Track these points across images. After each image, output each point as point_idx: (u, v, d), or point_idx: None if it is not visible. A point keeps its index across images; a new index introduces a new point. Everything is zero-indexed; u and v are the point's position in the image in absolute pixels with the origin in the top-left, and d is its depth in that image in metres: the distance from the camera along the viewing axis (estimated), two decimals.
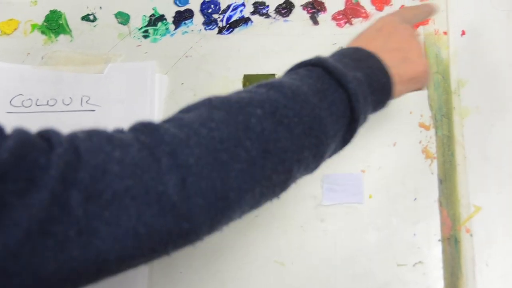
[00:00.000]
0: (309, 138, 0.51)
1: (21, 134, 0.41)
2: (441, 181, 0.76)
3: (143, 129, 0.47)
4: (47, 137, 0.43)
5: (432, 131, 0.79)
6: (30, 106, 0.82)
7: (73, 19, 0.88)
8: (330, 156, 0.57)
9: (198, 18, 0.87)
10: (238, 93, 0.52)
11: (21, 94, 0.83)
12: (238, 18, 0.87)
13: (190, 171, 0.44)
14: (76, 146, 0.42)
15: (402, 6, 0.84)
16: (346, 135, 0.56)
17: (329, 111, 0.52)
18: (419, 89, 0.64)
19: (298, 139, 0.50)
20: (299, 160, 0.51)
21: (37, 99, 0.83)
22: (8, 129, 0.42)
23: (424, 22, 0.83)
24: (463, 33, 0.83)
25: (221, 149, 0.46)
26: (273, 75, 0.82)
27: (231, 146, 0.47)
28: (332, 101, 0.53)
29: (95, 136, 0.44)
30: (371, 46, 0.59)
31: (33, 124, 0.80)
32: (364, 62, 0.56)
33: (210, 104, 0.50)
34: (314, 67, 0.55)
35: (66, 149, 0.42)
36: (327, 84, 0.53)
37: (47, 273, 0.40)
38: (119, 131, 0.47)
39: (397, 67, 0.58)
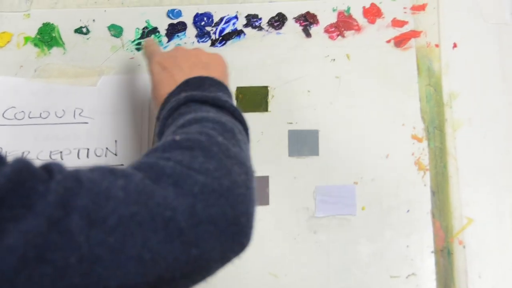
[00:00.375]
0: (248, 151, 0.56)
1: (20, 163, 0.41)
2: (433, 193, 0.76)
3: (142, 166, 0.47)
4: (49, 168, 0.42)
5: (424, 143, 0.79)
6: (22, 118, 0.82)
7: (66, 32, 0.88)
8: None
9: (191, 31, 0.87)
10: (187, 130, 0.54)
11: (14, 107, 0.83)
12: (231, 31, 0.87)
13: (197, 198, 0.45)
14: (78, 176, 0.42)
15: (394, 18, 0.85)
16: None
17: (240, 125, 0.58)
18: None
19: (247, 154, 0.55)
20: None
21: (30, 112, 0.83)
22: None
23: (416, 34, 0.84)
24: (455, 45, 0.83)
25: (219, 177, 0.47)
26: (266, 87, 0.82)
27: (226, 173, 0.48)
28: (232, 117, 0.58)
29: (97, 170, 0.44)
30: (187, 74, 0.64)
31: (26, 137, 0.81)
32: (201, 84, 0.62)
33: (181, 145, 0.50)
34: (189, 102, 0.59)
35: (66, 177, 0.41)
36: (216, 108, 0.58)
37: None
38: (120, 166, 0.47)
39: (212, 72, 0.65)
